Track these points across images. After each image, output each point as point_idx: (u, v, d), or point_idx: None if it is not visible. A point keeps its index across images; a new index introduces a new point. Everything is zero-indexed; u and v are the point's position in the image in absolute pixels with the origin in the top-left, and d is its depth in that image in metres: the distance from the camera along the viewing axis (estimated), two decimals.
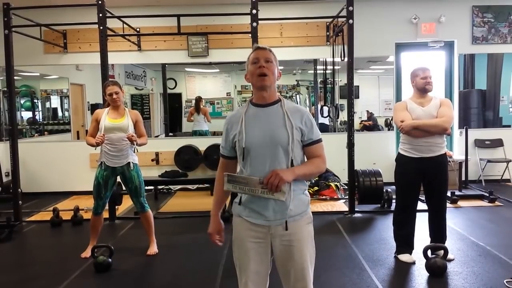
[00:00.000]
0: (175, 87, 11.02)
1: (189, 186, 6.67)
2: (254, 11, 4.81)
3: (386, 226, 4.45)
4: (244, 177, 1.74)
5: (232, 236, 1.88)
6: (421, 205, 3.71)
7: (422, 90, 3.40)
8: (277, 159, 1.75)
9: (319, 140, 1.84)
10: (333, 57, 6.14)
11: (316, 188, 5.91)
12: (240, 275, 1.86)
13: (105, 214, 4.05)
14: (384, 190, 5.15)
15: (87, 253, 3.80)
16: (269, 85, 1.79)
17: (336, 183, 6.00)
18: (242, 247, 1.83)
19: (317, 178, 6.02)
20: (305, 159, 1.86)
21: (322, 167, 1.84)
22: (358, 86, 9.81)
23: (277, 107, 1.81)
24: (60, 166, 6.57)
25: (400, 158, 3.52)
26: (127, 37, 6.19)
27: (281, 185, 1.66)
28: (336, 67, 6.76)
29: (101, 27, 4.85)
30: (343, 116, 7.81)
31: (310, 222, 1.86)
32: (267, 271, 1.86)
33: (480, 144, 6.68)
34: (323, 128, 8.04)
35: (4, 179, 6.26)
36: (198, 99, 8.22)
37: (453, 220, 4.64)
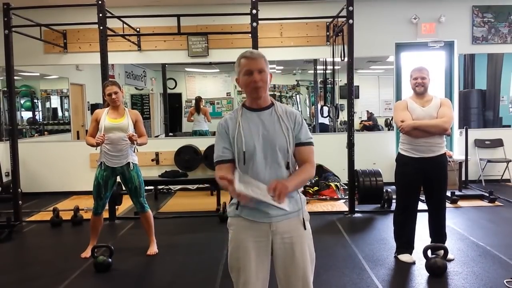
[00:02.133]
0: (175, 87, 11.01)
1: (189, 186, 6.66)
2: (254, 11, 4.81)
3: (386, 226, 4.45)
4: (258, 182, 1.73)
5: (228, 238, 1.87)
6: (421, 205, 3.71)
7: (414, 91, 3.44)
8: (277, 163, 1.79)
9: (309, 143, 1.85)
10: (333, 57, 6.13)
11: (316, 188, 5.91)
12: (238, 276, 1.82)
13: (105, 214, 4.05)
14: (384, 190, 5.15)
15: (87, 253, 3.80)
16: (264, 94, 1.84)
17: (336, 183, 6.00)
18: (241, 247, 1.81)
19: (316, 178, 6.03)
20: (295, 160, 1.84)
21: (312, 173, 1.85)
22: (358, 86, 9.79)
23: (271, 111, 1.85)
24: (60, 166, 6.57)
25: (400, 158, 3.52)
26: (127, 37, 6.19)
27: (286, 194, 1.68)
28: (336, 67, 6.75)
29: (101, 27, 4.85)
30: (343, 116, 7.80)
31: (308, 219, 1.89)
32: (268, 270, 1.85)
33: (480, 144, 6.67)
34: (323, 128, 8.04)
35: (4, 179, 6.26)
36: (198, 99, 8.22)
37: (453, 220, 4.64)
